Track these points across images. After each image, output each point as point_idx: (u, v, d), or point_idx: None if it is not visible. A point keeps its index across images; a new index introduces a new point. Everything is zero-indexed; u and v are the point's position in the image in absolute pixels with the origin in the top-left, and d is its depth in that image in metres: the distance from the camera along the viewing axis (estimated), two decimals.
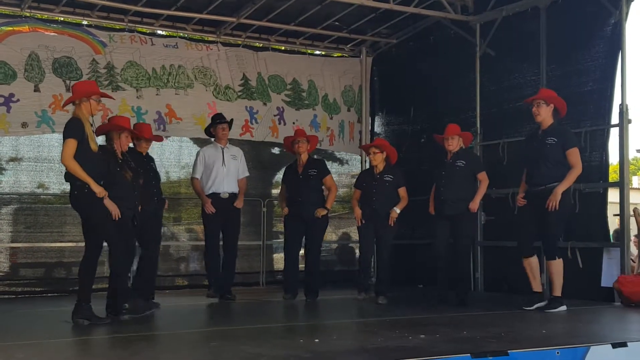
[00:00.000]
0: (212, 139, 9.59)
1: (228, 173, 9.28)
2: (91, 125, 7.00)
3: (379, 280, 9.05)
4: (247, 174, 9.60)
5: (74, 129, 6.87)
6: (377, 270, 9.17)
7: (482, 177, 8.70)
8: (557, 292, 7.85)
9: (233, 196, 9.28)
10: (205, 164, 9.31)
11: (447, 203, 8.59)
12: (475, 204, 8.55)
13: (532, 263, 8.06)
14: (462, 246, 8.62)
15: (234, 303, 8.96)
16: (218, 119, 9.48)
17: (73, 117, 7.04)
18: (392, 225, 8.84)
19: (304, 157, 9.28)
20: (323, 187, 9.34)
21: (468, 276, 9.00)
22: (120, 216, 7.14)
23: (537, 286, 8.10)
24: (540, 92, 8.16)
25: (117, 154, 7.60)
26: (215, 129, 9.41)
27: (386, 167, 9.00)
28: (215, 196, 9.20)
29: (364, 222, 8.97)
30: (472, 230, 8.99)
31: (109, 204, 7.07)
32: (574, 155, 7.81)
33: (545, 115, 7.93)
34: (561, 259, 7.92)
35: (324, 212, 9.19)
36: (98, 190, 6.84)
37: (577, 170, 7.80)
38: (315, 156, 10.11)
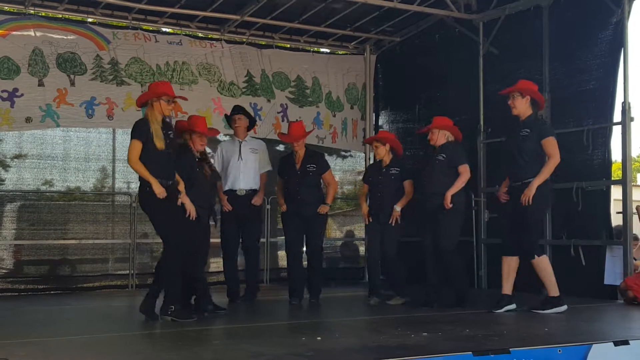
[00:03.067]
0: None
1: (245, 168, 8.77)
2: (166, 122, 7.11)
3: (387, 280, 8.78)
4: (268, 168, 9.06)
5: (138, 130, 6.98)
6: (384, 270, 8.87)
7: (463, 169, 8.15)
8: (553, 292, 7.52)
9: (252, 192, 8.78)
10: (223, 159, 8.87)
11: (427, 198, 8.21)
12: (447, 198, 7.95)
13: (511, 263, 7.70)
14: (441, 246, 8.10)
15: (236, 301, 8.78)
16: (233, 110, 9.00)
17: (143, 117, 7.16)
18: (393, 223, 8.55)
19: (301, 152, 8.87)
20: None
21: (459, 275, 8.32)
22: (195, 217, 7.33)
23: (507, 288, 7.69)
24: (517, 84, 7.81)
25: (195, 154, 7.66)
26: (232, 122, 8.94)
27: (393, 160, 8.74)
28: (231, 193, 8.73)
29: (371, 220, 8.76)
30: (453, 228, 8.19)
31: (188, 204, 7.25)
32: (550, 145, 7.50)
33: (521, 107, 7.65)
34: (543, 256, 7.67)
35: (327, 209, 8.91)
36: (159, 191, 6.86)
37: (554, 160, 7.49)
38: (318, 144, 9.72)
